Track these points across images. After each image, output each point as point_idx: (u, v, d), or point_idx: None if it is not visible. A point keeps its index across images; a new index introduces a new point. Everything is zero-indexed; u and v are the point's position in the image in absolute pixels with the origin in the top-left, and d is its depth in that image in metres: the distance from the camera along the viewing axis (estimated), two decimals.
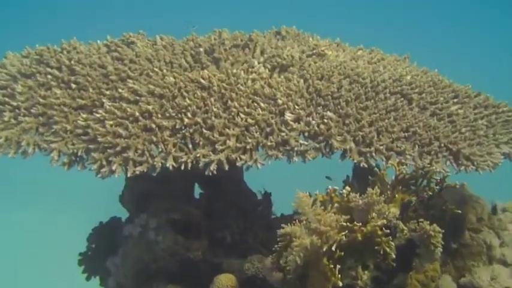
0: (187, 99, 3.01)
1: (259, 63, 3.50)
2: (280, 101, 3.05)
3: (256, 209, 3.53)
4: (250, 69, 3.36)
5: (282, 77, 3.35)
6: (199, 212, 3.33)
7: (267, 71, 3.40)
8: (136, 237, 3.29)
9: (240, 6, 19.59)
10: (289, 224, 2.57)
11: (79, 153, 2.94)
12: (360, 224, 2.50)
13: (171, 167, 2.84)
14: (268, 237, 3.23)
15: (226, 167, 2.82)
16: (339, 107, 3.04)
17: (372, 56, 3.78)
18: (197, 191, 3.67)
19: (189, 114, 2.94)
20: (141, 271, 3.31)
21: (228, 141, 2.86)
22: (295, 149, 2.86)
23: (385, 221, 2.55)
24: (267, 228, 3.38)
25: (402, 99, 3.23)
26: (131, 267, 3.29)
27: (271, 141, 2.87)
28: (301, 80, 3.24)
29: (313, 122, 2.95)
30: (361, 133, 2.92)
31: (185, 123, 2.92)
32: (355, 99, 3.12)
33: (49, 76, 3.30)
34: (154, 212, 3.28)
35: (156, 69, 3.33)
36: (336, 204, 2.65)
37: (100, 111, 3.04)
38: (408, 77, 3.42)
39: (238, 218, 3.40)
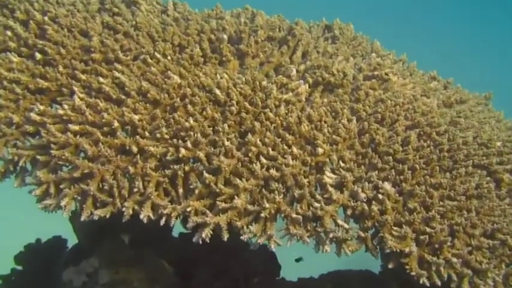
0: (191, 119, 2.07)
1: (298, 71, 2.55)
2: (320, 150, 2.12)
3: (252, 279, 2.60)
4: (285, 82, 2.40)
5: (326, 100, 2.42)
6: (173, 271, 2.40)
7: (307, 86, 2.45)
8: None
9: None
10: None
11: (20, 163, 2.02)
12: None
13: (145, 219, 1.94)
14: None
15: (226, 237, 1.93)
16: (401, 177, 2.11)
17: (449, 94, 2.79)
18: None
19: (188, 143, 2.01)
20: None
21: (236, 199, 1.95)
22: (330, 234, 1.94)
23: None
24: None
25: (488, 179, 2.29)
26: None
27: (297, 213, 1.96)
28: (354, 120, 2.29)
29: (362, 195, 2.03)
30: (428, 229, 1.99)
31: (181, 154, 2.00)
32: (424, 167, 2.19)
33: (8, 32, 2.32)
34: (109, 260, 2.33)
35: (158, 56, 2.36)
36: None
37: (65, 105, 2.09)
38: (498, 143, 2.45)
39: None
